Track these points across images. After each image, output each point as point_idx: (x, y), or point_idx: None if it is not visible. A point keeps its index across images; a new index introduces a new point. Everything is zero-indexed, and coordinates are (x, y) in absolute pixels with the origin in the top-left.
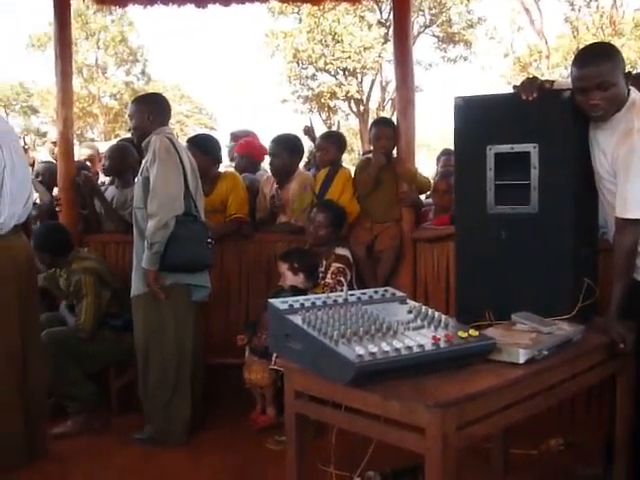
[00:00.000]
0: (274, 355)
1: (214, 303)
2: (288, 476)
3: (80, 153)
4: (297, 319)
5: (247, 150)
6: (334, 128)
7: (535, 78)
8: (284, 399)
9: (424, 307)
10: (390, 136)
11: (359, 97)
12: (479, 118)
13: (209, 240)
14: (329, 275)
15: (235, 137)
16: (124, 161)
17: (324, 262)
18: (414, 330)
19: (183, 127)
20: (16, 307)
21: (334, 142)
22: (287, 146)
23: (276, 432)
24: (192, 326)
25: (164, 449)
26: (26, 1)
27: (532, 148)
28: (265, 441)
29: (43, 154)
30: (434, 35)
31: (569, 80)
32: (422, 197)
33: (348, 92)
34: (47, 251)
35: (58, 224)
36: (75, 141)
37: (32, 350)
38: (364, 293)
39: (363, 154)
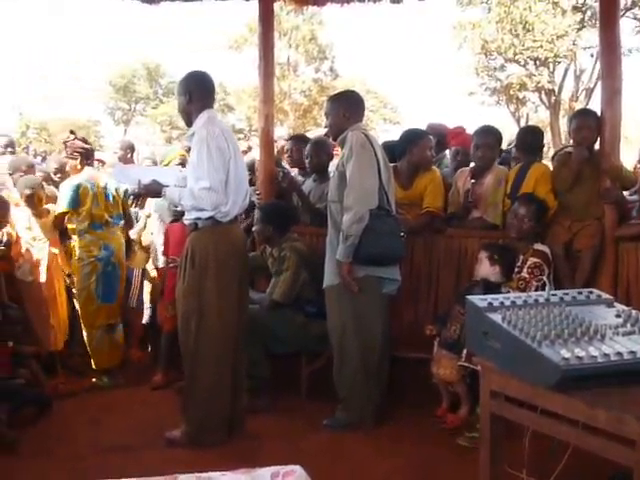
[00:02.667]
0: (464, 351)
1: (403, 296)
2: (482, 477)
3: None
4: (497, 317)
5: (463, 142)
6: (523, 121)
7: None
8: (479, 398)
9: (634, 311)
10: (592, 127)
11: (550, 88)
12: None
13: (401, 233)
14: (525, 270)
15: (432, 130)
16: (326, 157)
17: (521, 256)
18: (624, 335)
19: (369, 122)
20: (235, 291)
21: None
22: (498, 138)
23: (466, 428)
24: (382, 318)
25: (349, 437)
26: (225, 5)
27: None
28: (455, 437)
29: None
30: (636, 18)
31: None
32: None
33: (539, 83)
34: (272, 224)
35: (286, 203)
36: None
37: (242, 331)
38: (566, 294)
39: (560, 149)
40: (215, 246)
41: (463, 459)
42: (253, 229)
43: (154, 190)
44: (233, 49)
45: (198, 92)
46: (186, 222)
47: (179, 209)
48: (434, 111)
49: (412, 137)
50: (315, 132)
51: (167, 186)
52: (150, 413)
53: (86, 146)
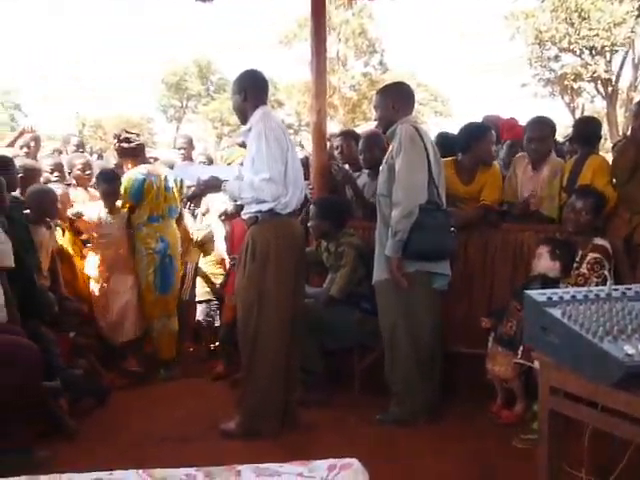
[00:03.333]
0: (520, 348)
1: (456, 291)
2: (540, 476)
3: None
4: (556, 312)
5: (516, 135)
6: (578, 112)
7: None
8: (535, 395)
9: None
10: None
11: (607, 77)
12: None
13: (452, 228)
14: (584, 265)
15: (488, 122)
16: (378, 151)
17: (580, 252)
18: None
19: (419, 115)
20: (292, 283)
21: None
22: (552, 129)
23: (521, 429)
24: (432, 313)
25: (402, 432)
26: (275, 1)
27: None
28: (511, 438)
29: None
30: None
31: None
32: None
33: (595, 72)
34: (329, 219)
35: (342, 198)
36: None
37: (297, 322)
38: (629, 288)
39: (620, 140)
40: (276, 239)
41: (518, 456)
42: (309, 224)
43: (213, 185)
44: (283, 45)
45: (252, 90)
46: (245, 216)
47: (239, 203)
48: (486, 103)
49: (476, 132)
50: (365, 127)
51: (226, 180)
52: (204, 405)
53: (127, 145)
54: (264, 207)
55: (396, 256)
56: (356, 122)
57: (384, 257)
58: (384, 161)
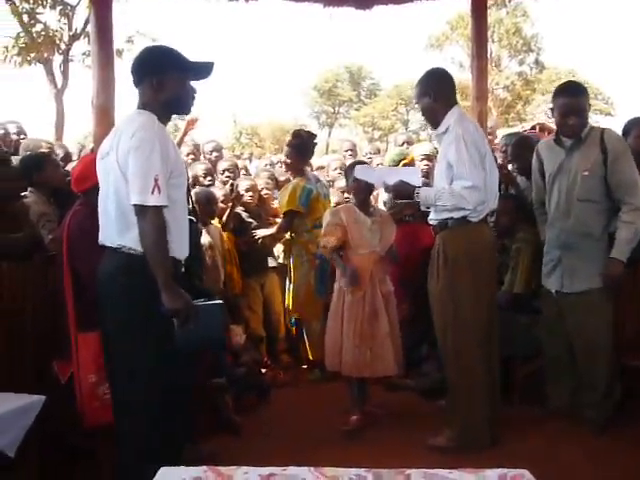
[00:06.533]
0: None
1: (626, 297)
2: None
3: None
4: None
5: None
6: None
7: None
8: None
9: None
10: None
11: None
12: None
13: None
14: None
15: None
16: (530, 155)
17: None
18: None
19: None
20: (489, 293)
21: None
22: None
23: None
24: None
25: (570, 446)
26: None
27: None
28: None
29: None
30: None
31: None
32: None
33: None
34: (520, 214)
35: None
36: None
37: (495, 329)
38: None
39: None
40: (467, 245)
41: None
42: (498, 220)
43: (404, 191)
44: (434, 47)
45: (440, 90)
46: (433, 222)
47: (425, 209)
48: None
49: (625, 129)
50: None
51: (418, 186)
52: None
53: (314, 141)
54: (457, 214)
55: (624, 259)
56: (510, 123)
57: (594, 264)
58: (587, 168)
